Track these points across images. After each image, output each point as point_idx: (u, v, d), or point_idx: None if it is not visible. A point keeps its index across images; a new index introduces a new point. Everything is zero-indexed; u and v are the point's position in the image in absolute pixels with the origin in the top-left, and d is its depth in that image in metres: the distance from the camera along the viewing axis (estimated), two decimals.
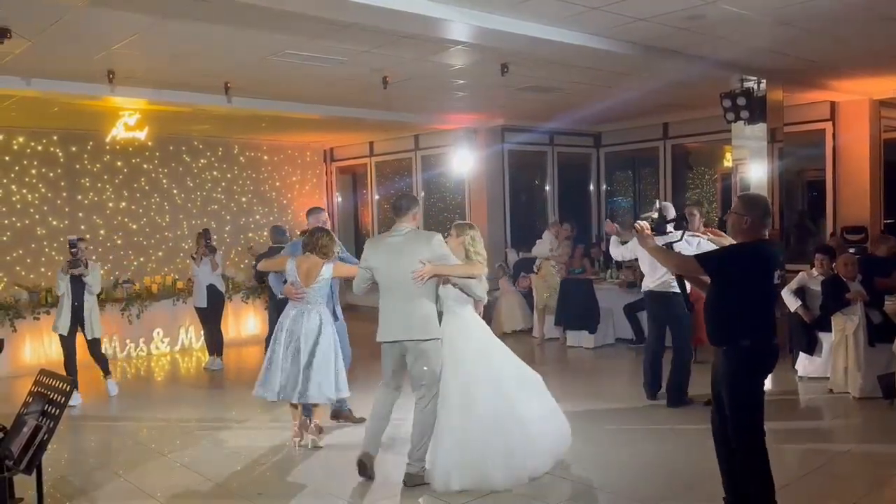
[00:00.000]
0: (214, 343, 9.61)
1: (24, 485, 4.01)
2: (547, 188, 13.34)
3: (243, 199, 13.44)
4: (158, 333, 10.53)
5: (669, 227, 4.80)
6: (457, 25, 6.09)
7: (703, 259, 4.09)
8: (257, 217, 13.53)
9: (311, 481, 5.29)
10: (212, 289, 9.50)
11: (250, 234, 13.39)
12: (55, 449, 5.94)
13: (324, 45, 6.99)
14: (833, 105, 10.76)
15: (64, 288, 7.89)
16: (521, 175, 13.26)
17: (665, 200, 5.36)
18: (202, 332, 10.01)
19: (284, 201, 14.04)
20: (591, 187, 13.86)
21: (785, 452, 5.72)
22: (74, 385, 6.53)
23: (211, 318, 9.62)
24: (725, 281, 4.03)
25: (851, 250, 8.79)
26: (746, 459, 4.02)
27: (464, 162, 12.07)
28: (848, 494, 4.78)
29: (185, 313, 10.78)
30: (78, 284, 7.87)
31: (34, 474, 3.48)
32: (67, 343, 7.97)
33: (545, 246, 10.53)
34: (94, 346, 8.09)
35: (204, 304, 9.53)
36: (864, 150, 10.66)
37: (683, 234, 4.99)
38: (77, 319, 7.91)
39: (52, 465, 5.58)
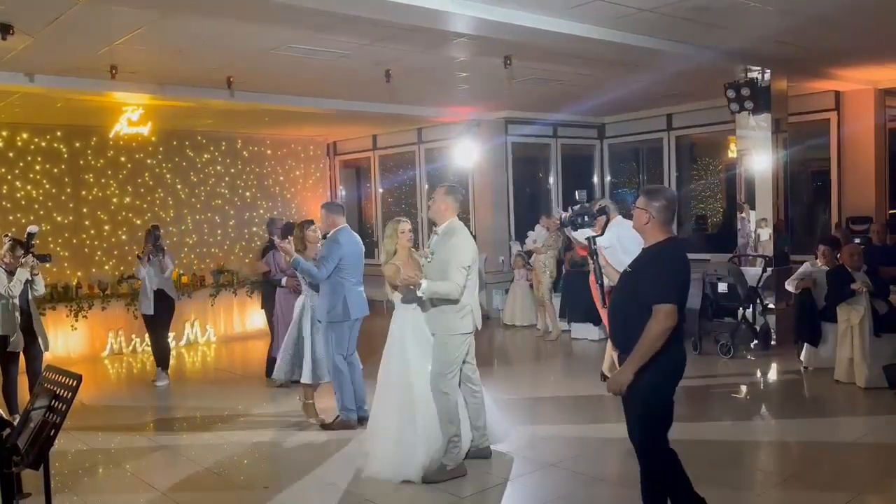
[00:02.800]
0: (160, 354, 8.54)
1: (31, 479, 4.03)
2: (551, 180, 13.31)
3: (247, 194, 13.44)
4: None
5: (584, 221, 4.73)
6: (459, 17, 6.07)
7: (668, 296, 3.52)
8: (261, 212, 13.51)
9: (316, 473, 5.30)
10: (160, 294, 8.38)
11: (254, 229, 13.40)
12: (62, 444, 5.96)
13: (326, 39, 6.97)
14: (838, 95, 10.71)
15: (2, 289, 6.45)
16: (525, 167, 13.23)
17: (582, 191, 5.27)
18: (148, 342, 8.89)
19: (288, 195, 14.03)
20: (595, 179, 13.82)
21: (791, 443, 5.73)
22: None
23: (158, 326, 8.53)
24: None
25: (857, 241, 8.78)
26: (649, 475, 3.73)
27: (467, 154, 12.05)
28: (854, 485, 4.77)
29: (189, 308, 10.81)
30: (23, 288, 6.58)
31: (41, 469, 3.48)
32: (14, 362, 6.63)
33: (531, 239, 10.56)
34: (40, 362, 6.78)
35: (150, 312, 8.39)
36: (869, 140, 10.61)
37: (605, 229, 4.86)
38: (27, 332, 6.68)
39: (59, 459, 5.61)
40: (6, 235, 7.06)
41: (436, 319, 5.08)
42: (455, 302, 4.96)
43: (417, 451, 5.01)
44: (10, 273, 6.58)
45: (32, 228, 6.89)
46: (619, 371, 3.61)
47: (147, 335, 8.84)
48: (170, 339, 9.08)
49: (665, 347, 3.51)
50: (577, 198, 5.24)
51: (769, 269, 8.91)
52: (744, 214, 9.44)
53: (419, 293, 4.91)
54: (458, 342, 5.03)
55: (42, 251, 7.40)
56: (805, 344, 7.82)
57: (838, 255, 7.60)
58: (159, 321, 8.51)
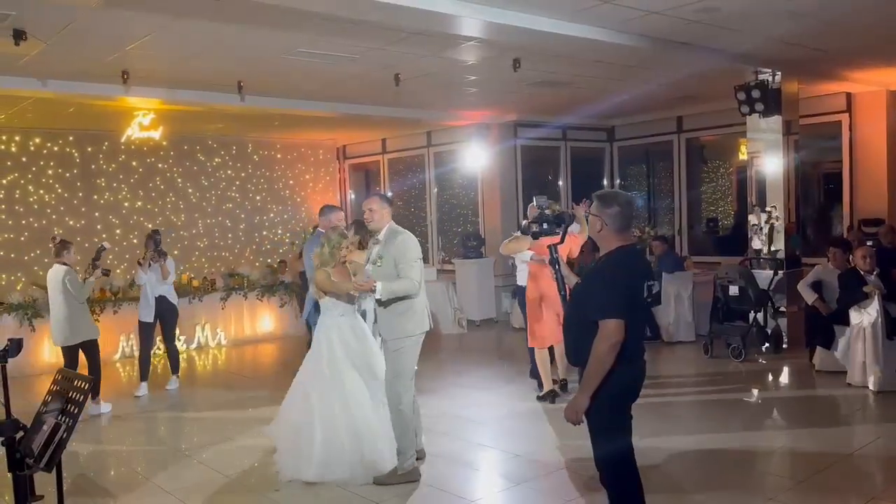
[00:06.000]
0: (170, 360, 8.56)
1: (44, 482, 4.05)
2: (560, 183, 13.30)
3: (257, 198, 13.49)
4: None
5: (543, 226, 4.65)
6: (468, 21, 6.08)
7: (611, 312, 3.31)
8: (271, 215, 13.58)
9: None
10: (162, 300, 8.29)
11: (265, 233, 13.45)
12: (74, 447, 6.00)
13: (336, 43, 7.00)
14: (849, 96, 10.66)
15: (76, 292, 7.35)
16: (535, 170, 13.21)
17: (541, 197, 5.21)
18: (139, 351, 8.60)
19: (298, 199, 14.07)
20: (605, 182, 13.79)
21: (803, 447, 5.69)
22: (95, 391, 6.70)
23: (163, 332, 8.48)
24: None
25: (869, 243, 8.73)
26: (612, 496, 3.59)
27: (476, 158, 12.07)
28: (867, 489, 4.74)
29: (201, 311, 10.87)
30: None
31: (54, 472, 3.51)
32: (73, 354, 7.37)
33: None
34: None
35: (149, 319, 8.26)
36: (881, 142, 10.55)
37: (565, 233, 4.73)
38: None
39: (71, 462, 5.64)
40: (102, 243, 8.18)
41: (390, 323, 5.06)
42: (410, 299, 4.99)
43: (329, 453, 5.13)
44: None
45: (105, 245, 7.96)
46: (575, 398, 3.42)
47: (140, 341, 8.49)
48: (181, 343, 9.03)
49: (617, 363, 3.31)
50: (534, 204, 5.09)
51: (780, 272, 8.86)
52: (755, 216, 9.37)
53: (377, 295, 4.90)
54: (412, 344, 5.06)
55: None
56: (817, 347, 7.77)
57: (850, 258, 7.55)
58: (164, 327, 8.45)
